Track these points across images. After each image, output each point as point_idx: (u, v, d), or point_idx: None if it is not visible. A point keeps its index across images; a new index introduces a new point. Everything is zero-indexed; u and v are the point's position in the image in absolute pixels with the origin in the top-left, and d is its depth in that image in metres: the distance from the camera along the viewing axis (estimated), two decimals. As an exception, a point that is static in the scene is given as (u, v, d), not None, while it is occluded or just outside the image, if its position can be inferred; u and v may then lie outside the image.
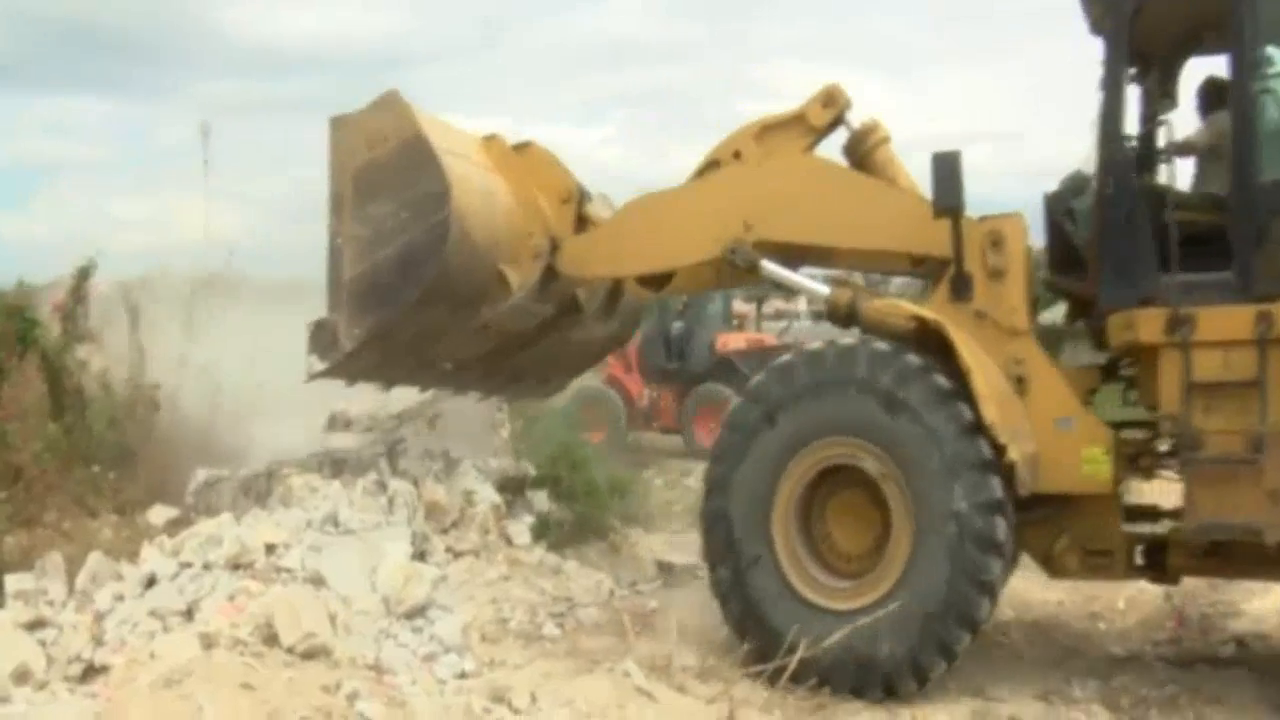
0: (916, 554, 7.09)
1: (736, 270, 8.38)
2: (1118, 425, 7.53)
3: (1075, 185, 7.88)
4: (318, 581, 7.23)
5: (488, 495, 9.75)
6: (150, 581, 7.56)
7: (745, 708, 6.71)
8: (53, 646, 6.76)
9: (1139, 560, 7.74)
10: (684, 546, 11.47)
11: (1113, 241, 7.26)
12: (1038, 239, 8.05)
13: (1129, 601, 9.70)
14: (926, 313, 7.51)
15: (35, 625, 6.92)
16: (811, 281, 8.43)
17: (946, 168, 7.39)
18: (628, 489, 11.98)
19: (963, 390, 7.10)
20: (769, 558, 7.46)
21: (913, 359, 7.23)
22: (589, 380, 20.61)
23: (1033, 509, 7.38)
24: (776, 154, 8.41)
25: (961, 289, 7.65)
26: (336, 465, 9.55)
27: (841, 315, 7.93)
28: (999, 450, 6.99)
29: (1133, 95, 7.88)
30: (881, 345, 7.36)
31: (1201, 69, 8.08)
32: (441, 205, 8.10)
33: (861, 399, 7.24)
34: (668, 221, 8.51)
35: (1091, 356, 8.13)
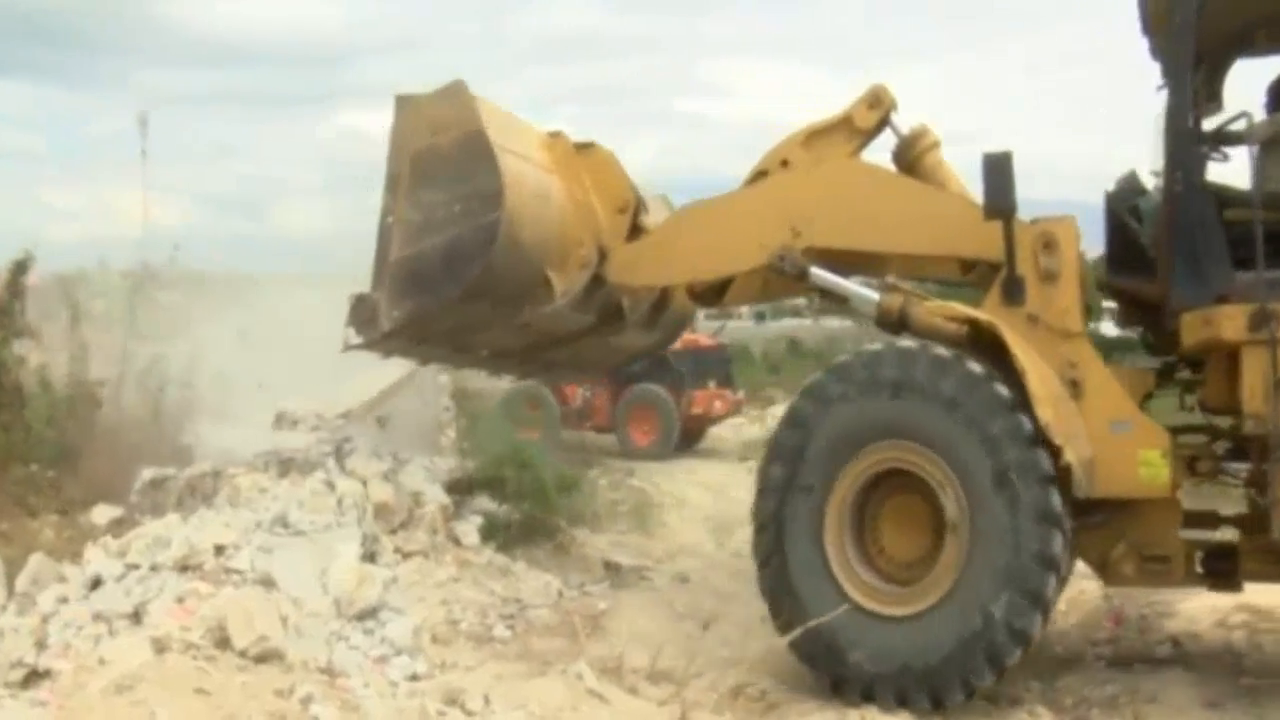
0: (970, 563, 6.97)
1: (785, 278, 8.28)
2: (1175, 430, 7.47)
3: (1133, 185, 7.84)
4: (268, 583, 7.17)
5: (436, 495, 9.73)
6: (95, 583, 7.46)
7: (697, 709, 6.74)
8: (-7, 651, 6.62)
9: (1198, 567, 7.63)
10: (631, 547, 11.56)
11: (1184, 239, 7.17)
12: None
13: (1069, 603, 9.87)
14: (981, 315, 7.44)
15: (-26, 629, 6.79)
16: (861, 287, 8.27)
17: (997, 169, 7.29)
18: (575, 489, 11.98)
19: (1020, 397, 7.00)
20: (820, 561, 7.33)
21: (974, 366, 7.11)
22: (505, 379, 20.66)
23: (1089, 514, 7.27)
24: (824, 159, 8.34)
25: (1014, 292, 7.55)
26: (284, 465, 9.46)
27: (892, 321, 7.78)
28: (1055, 453, 6.87)
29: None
30: (942, 351, 7.24)
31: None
32: (494, 207, 8.03)
33: (920, 403, 7.13)
34: (715, 230, 8.43)
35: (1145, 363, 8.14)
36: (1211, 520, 7.90)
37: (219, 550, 7.50)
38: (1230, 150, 7.51)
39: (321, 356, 12.86)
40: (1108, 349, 8.31)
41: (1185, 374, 7.86)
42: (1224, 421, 7.56)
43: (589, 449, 18.49)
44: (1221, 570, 7.65)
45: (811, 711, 6.95)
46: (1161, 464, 7.19)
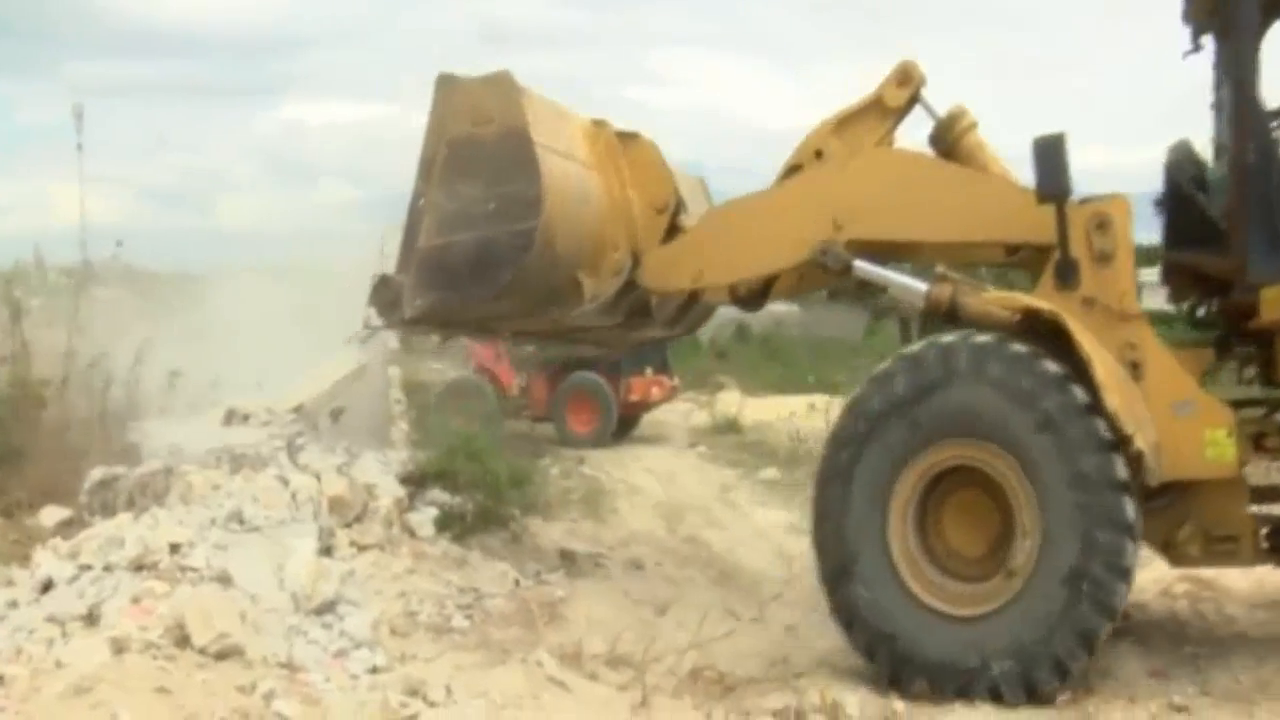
0: (1041, 561, 6.87)
1: (826, 272, 8.13)
2: (1236, 404, 7.39)
3: (1188, 155, 7.72)
4: (224, 580, 7.11)
5: (390, 488, 9.71)
6: (46, 586, 7.35)
7: (657, 694, 6.83)
8: (-58, 658, 6.53)
9: (1263, 544, 7.53)
10: (584, 535, 11.60)
11: (1261, 212, 7.08)
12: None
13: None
14: (1042, 303, 7.30)
15: (-78, 636, 6.68)
16: (908, 278, 8.10)
17: (1051, 151, 7.21)
18: (527, 480, 12.01)
19: (1083, 383, 6.87)
20: (883, 556, 7.21)
21: (1050, 366, 6.96)
22: (459, 370, 20.61)
23: (1153, 498, 7.19)
24: (858, 145, 8.18)
25: (1067, 275, 7.41)
26: (236, 461, 9.41)
27: (943, 311, 7.63)
28: (1124, 440, 6.79)
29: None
30: (1019, 347, 7.08)
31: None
32: (531, 215, 7.82)
33: (985, 397, 7.00)
34: (753, 228, 8.27)
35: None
36: (1276, 495, 7.83)
37: (174, 548, 7.43)
38: None
39: (270, 351, 12.86)
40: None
41: (1252, 345, 7.71)
42: None
43: (524, 439, 18.50)
44: None
45: (769, 692, 7.04)
46: (1227, 443, 7.11)
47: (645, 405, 19.68)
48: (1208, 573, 8.99)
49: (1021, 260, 8.15)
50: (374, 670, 6.69)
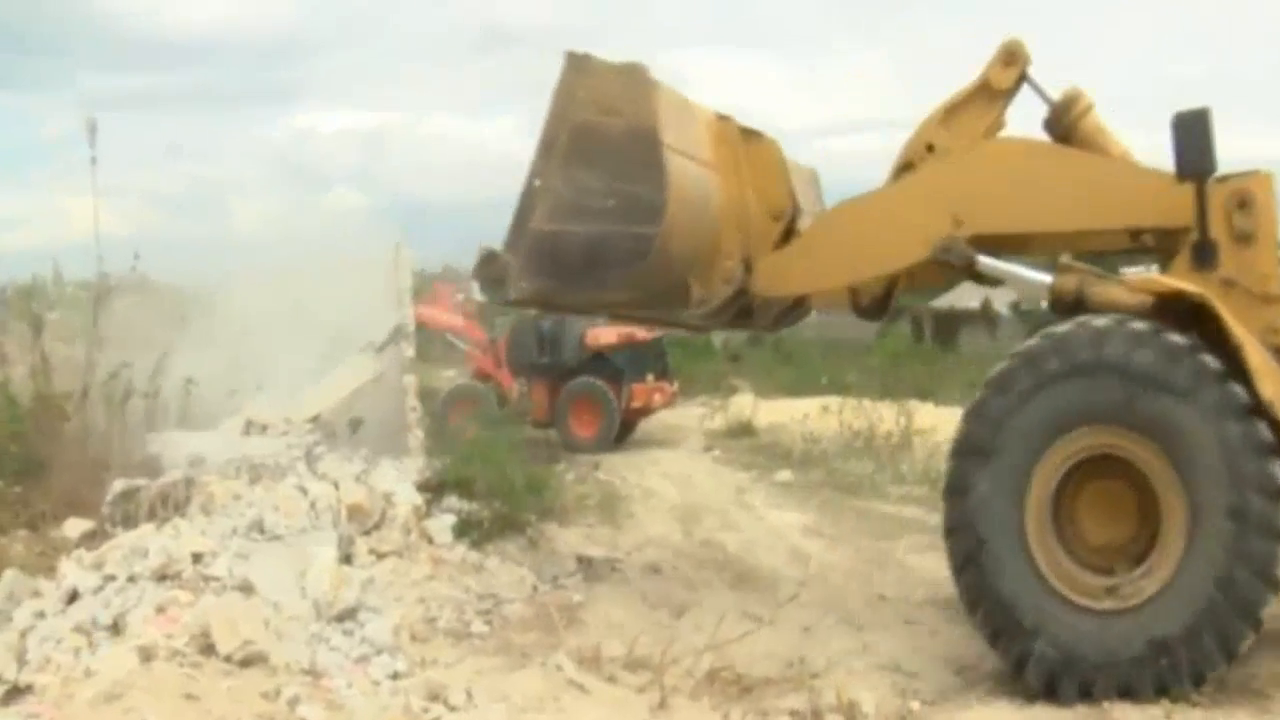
0: (1192, 548, 6.66)
1: (946, 270, 8.01)
2: None
3: None
4: (246, 589, 7.24)
5: (408, 496, 9.82)
6: (72, 596, 7.49)
7: (675, 695, 6.89)
8: (-28, 669, 6.64)
9: None
10: (600, 540, 11.67)
11: None
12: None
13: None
14: (1189, 286, 7.04)
15: (-49, 648, 6.80)
16: (1032, 271, 7.98)
17: (1195, 127, 7.06)
18: (544, 487, 12.09)
19: (1232, 369, 6.66)
20: (1021, 549, 6.99)
21: (1208, 359, 6.70)
22: (460, 376, 20.69)
23: None
24: (968, 134, 7.99)
25: (1206, 257, 7.15)
26: (255, 471, 9.52)
27: (1068, 302, 7.38)
28: (1276, 427, 6.57)
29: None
30: (1175, 336, 6.81)
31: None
32: (653, 220, 7.64)
33: (1125, 384, 6.77)
34: (869, 229, 8.06)
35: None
36: None
37: (196, 558, 7.57)
38: None
39: (286, 360, 12.96)
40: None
41: None
42: None
43: (552, 444, 18.57)
44: None
45: (786, 692, 7.10)
46: None
47: (647, 411, 19.72)
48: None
49: (1143, 245, 7.95)
50: (395, 676, 6.80)
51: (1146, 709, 6.71)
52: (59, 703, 5.40)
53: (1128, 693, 6.69)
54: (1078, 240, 8.12)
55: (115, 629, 6.98)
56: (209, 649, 6.16)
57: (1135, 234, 7.84)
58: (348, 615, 7.38)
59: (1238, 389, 6.64)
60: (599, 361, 18.84)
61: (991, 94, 8.01)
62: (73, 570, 7.82)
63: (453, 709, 6.23)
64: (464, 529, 10.19)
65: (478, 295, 8.32)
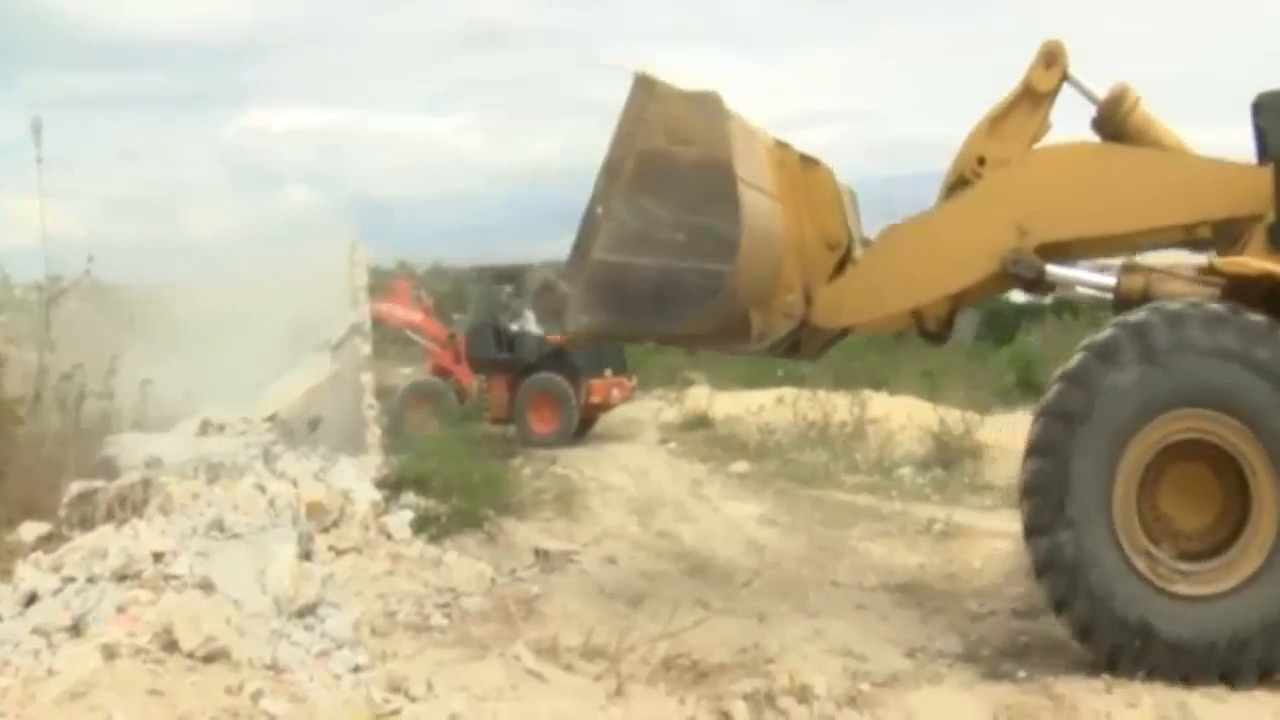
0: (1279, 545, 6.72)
1: (1015, 281, 7.90)
2: None
3: None
4: (207, 587, 7.28)
5: (366, 493, 9.90)
6: (30, 599, 7.48)
7: (632, 683, 7.02)
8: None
9: None
10: (559, 533, 11.81)
11: None
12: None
13: (984, 560, 10.38)
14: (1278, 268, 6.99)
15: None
16: (1097, 275, 7.93)
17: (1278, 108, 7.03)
18: (501, 481, 12.20)
19: None
20: (1104, 518, 6.93)
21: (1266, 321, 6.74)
22: (418, 373, 20.73)
23: None
24: (1018, 140, 7.91)
25: None
26: (213, 470, 9.54)
27: (1136, 302, 7.37)
28: None
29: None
30: (1256, 317, 6.87)
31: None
32: (726, 257, 7.36)
33: (1220, 367, 6.77)
34: (932, 249, 7.97)
35: None
36: None
37: (157, 558, 7.58)
38: None
39: (242, 360, 12.99)
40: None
41: None
42: None
43: (510, 439, 18.64)
44: None
45: (740, 677, 7.25)
46: None
47: (605, 406, 19.82)
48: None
49: (1196, 238, 7.89)
50: (356, 669, 6.88)
51: (1091, 682, 6.96)
52: (23, 703, 5.43)
53: (1188, 679, 6.74)
54: (1141, 239, 8.03)
55: (76, 630, 6.98)
56: (172, 646, 6.20)
57: (1191, 227, 7.78)
58: (308, 611, 7.45)
59: None
60: (557, 357, 18.93)
61: (1036, 98, 7.97)
62: (30, 573, 7.80)
63: (413, 700, 6.33)
64: (422, 524, 10.29)
65: (530, 328, 8.24)
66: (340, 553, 9.07)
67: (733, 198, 7.36)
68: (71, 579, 7.56)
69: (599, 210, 7.61)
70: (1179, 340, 6.86)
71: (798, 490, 14.57)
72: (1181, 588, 6.93)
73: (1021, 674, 7.26)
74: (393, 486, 10.72)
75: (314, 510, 9.19)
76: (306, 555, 8.34)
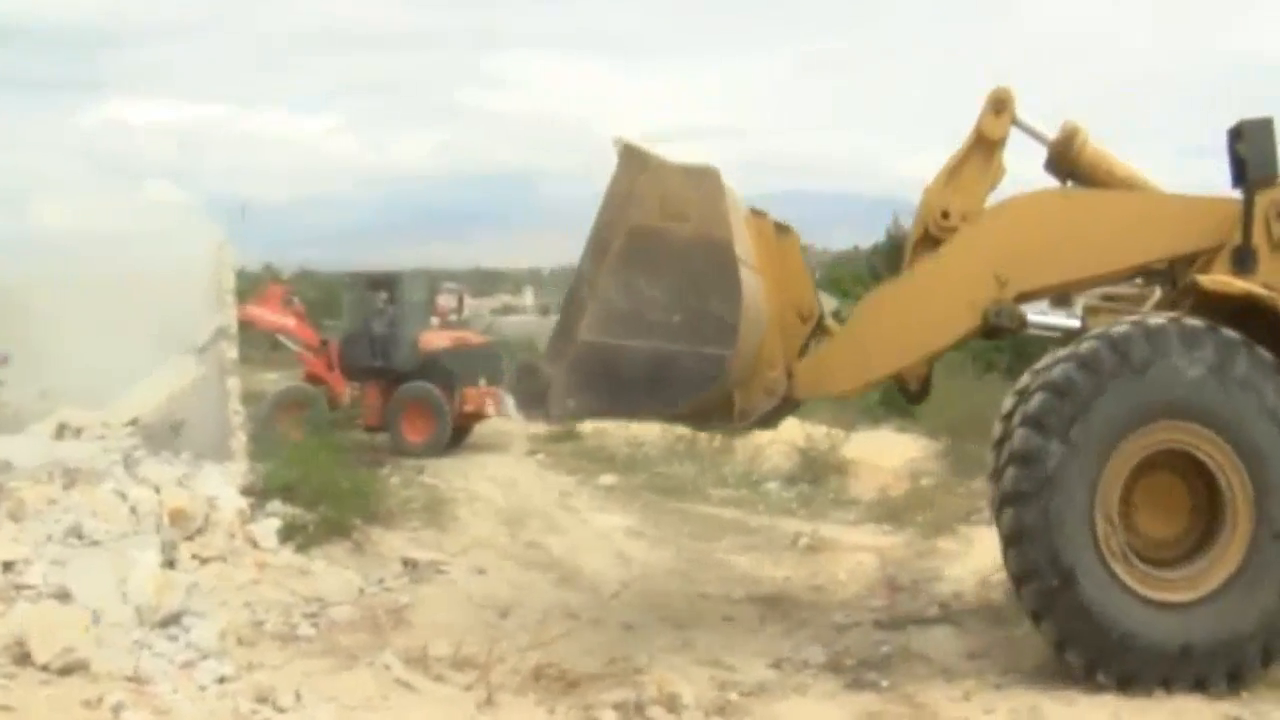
0: (1251, 555, 6.91)
1: (996, 333, 7.94)
2: None
3: None
4: (64, 596, 7.07)
5: (231, 500, 9.70)
6: None
7: (501, 692, 7.05)
8: None
9: None
10: (427, 542, 11.71)
11: None
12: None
13: (849, 573, 10.63)
14: (1258, 288, 7.21)
15: None
16: (1066, 320, 8.09)
17: (1261, 135, 7.24)
18: (369, 489, 12.06)
19: None
20: (1086, 526, 7.01)
21: (1265, 353, 6.95)
22: (286, 379, 20.35)
23: None
24: (975, 191, 8.00)
25: (1246, 262, 7.31)
26: (70, 475, 9.25)
27: None
28: None
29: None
30: (1231, 333, 7.02)
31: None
32: (726, 341, 7.00)
33: (1199, 380, 6.93)
34: (913, 309, 7.90)
35: None
36: None
37: (7, 566, 7.34)
38: None
39: (101, 362, 12.58)
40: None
41: None
42: None
43: (378, 448, 18.41)
44: None
45: (610, 687, 7.32)
46: None
47: (479, 416, 19.71)
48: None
49: (1148, 270, 8.12)
50: (222, 680, 6.76)
51: (949, 690, 7.20)
52: None
53: (1168, 684, 6.91)
54: (1112, 278, 8.17)
55: (-80, 643, 6.73)
56: (24, 659, 6.02)
57: (1159, 263, 7.99)
58: (172, 620, 7.29)
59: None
60: (432, 366, 18.74)
61: (988, 146, 8.04)
62: None
63: (281, 711, 6.26)
64: (289, 533, 10.12)
65: (510, 413, 7.93)
66: (205, 561, 8.88)
67: (734, 279, 7.06)
68: (-85, 589, 7.26)
69: (584, 290, 7.22)
70: (1157, 353, 7.04)
71: (666, 503, 14.69)
72: (1160, 595, 7.07)
73: (884, 683, 7.45)
74: (259, 494, 10.51)
75: (177, 517, 8.98)
76: (170, 563, 8.16)
